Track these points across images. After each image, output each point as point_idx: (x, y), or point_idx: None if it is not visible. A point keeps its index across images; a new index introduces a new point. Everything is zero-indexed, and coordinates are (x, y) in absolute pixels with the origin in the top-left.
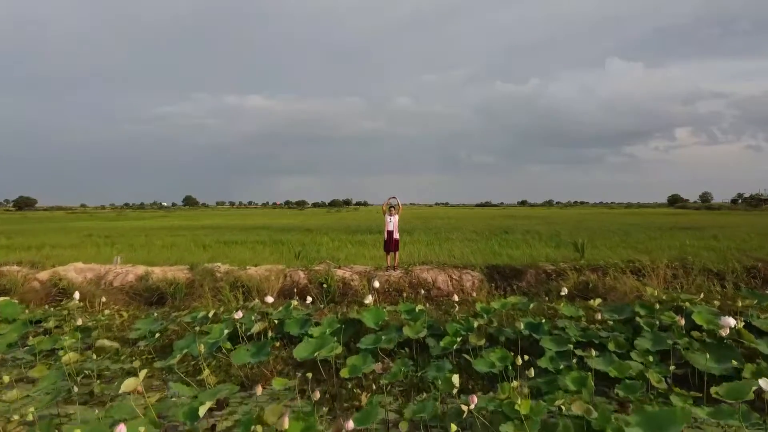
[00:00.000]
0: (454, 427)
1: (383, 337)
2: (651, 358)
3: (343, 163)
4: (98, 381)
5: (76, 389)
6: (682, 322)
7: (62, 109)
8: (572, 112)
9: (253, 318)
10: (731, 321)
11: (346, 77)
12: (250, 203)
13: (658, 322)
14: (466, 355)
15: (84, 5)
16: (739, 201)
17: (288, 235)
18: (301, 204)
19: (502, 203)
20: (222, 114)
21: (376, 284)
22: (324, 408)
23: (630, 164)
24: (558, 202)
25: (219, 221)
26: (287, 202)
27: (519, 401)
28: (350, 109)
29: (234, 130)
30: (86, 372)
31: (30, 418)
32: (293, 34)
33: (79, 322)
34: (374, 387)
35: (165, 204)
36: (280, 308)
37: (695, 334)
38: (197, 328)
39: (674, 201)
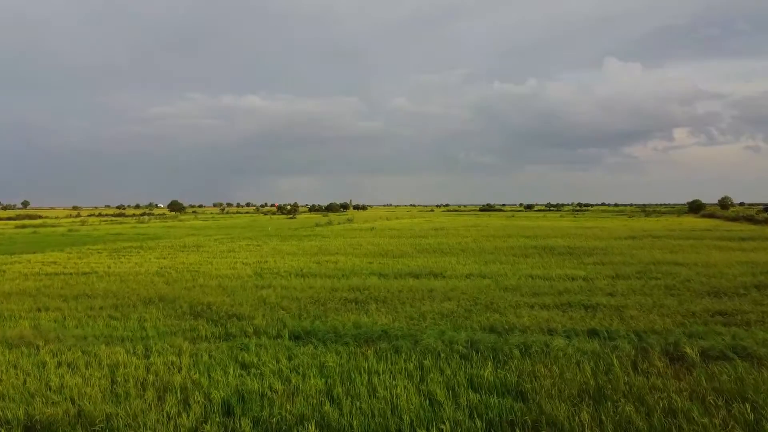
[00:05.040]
0: None
1: None
2: None
3: (342, 163)
4: None
5: None
6: None
7: (58, 108)
8: (570, 112)
9: None
10: None
11: (344, 77)
12: (248, 204)
13: None
14: None
15: (80, 3)
16: None
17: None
18: (292, 211)
19: (504, 205)
20: (220, 114)
21: None
22: None
23: (629, 165)
24: (563, 204)
25: (94, 264)
26: (280, 207)
27: None
28: (349, 109)
29: (232, 130)
30: None
31: None
32: (291, 33)
33: None
34: None
35: (161, 205)
36: None
37: None
38: None
39: (698, 208)
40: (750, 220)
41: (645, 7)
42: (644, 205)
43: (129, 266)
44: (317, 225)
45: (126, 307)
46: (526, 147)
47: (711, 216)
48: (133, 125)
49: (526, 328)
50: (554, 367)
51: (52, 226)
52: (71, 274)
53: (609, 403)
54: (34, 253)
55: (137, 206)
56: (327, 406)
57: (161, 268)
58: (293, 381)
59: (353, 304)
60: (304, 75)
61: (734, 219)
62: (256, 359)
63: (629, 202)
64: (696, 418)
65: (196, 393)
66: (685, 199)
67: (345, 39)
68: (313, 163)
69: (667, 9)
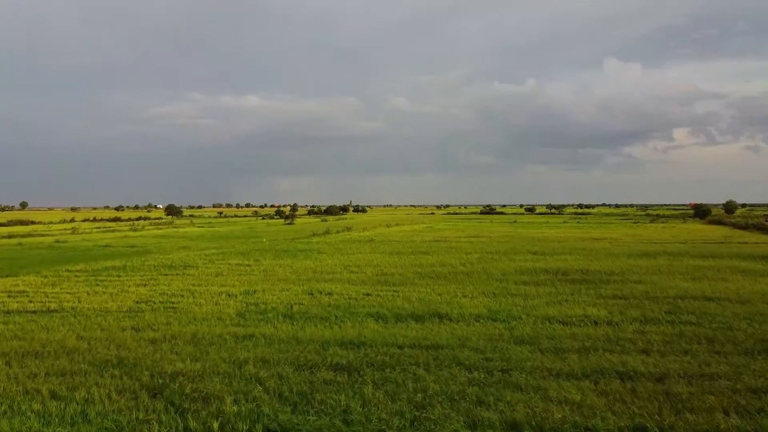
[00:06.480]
0: None
1: None
2: None
3: (342, 163)
4: None
5: None
6: None
7: (57, 108)
8: (570, 112)
9: None
10: None
11: (344, 77)
12: (247, 205)
13: None
14: None
15: (80, 3)
16: None
17: None
18: (290, 216)
19: (504, 206)
20: (219, 114)
21: None
22: None
23: (629, 165)
24: (563, 206)
25: (65, 295)
26: (278, 211)
27: None
28: (349, 109)
29: (232, 130)
30: None
31: None
32: (292, 33)
33: None
34: None
35: (159, 206)
36: None
37: None
38: None
39: (704, 213)
40: (761, 228)
41: (645, 7)
42: (645, 206)
43: (102, 299)
44: (314, 235)
45: (76, 375)
46: (526, 147)
47: (719, 222)
48: (132, 125)
49: (560, 429)
50: None
51: (41, 235)
52: (34, 312)
53: None
54: (7, 276)
55: (136, 207)
56: None
57: (137, 301)
58: None
59: (346, 373)
60: (304, 75)
61: (744, 227)
62: None
63: (629, 203)
64: None
65: None
66: (685, 199)
67: (345, 39)
68: (313, 163)
69: (667, 9)
